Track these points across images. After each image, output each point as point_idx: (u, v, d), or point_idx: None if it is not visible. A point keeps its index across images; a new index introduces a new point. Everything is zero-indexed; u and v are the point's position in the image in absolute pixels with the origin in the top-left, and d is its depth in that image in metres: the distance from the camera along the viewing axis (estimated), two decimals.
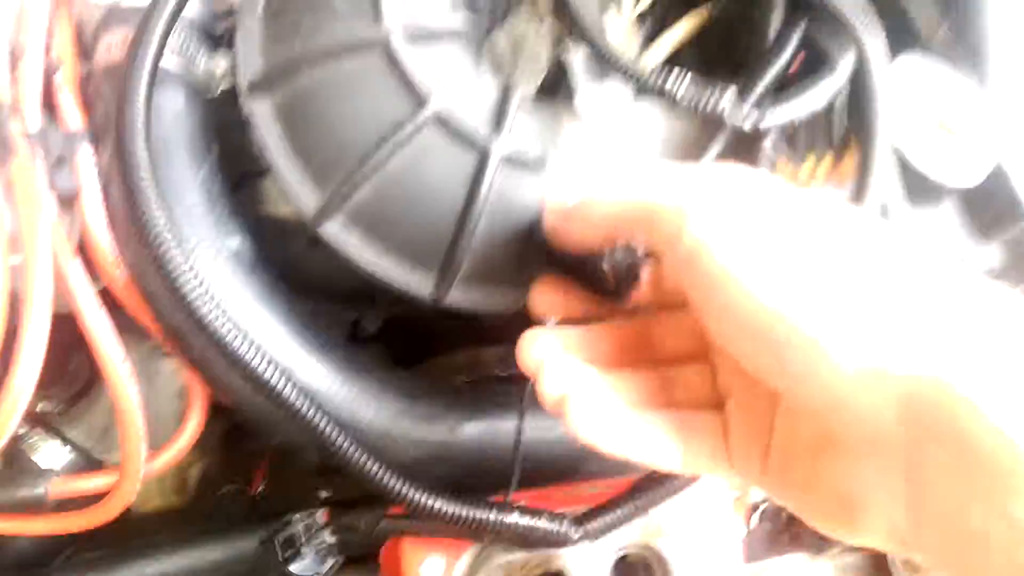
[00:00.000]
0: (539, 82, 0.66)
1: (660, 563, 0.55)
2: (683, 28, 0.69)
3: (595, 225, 0.39)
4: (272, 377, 0.43)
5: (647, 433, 0.37)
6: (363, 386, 0.53)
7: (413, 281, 0.52)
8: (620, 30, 0.65)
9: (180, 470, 0.71)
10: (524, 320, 0.46)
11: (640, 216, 0.36)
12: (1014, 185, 0.57)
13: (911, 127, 0.54)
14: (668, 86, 0.45)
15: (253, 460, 0.73)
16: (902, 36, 0.63)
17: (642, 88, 0.47)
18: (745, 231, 0.32)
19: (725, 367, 0.39)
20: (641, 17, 0.73)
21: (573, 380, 0.39)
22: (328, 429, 0.45)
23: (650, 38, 0.70)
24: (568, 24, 0.54)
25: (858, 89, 0.49)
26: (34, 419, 0.61)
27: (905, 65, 0.56)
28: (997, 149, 0.56)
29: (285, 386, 0.44)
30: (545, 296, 0.45)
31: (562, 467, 0.60)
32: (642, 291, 0.41)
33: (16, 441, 0.59)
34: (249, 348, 0.43)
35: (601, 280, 0.41)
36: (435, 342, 0.78)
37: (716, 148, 0.50)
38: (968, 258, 0.60)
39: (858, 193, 0.48)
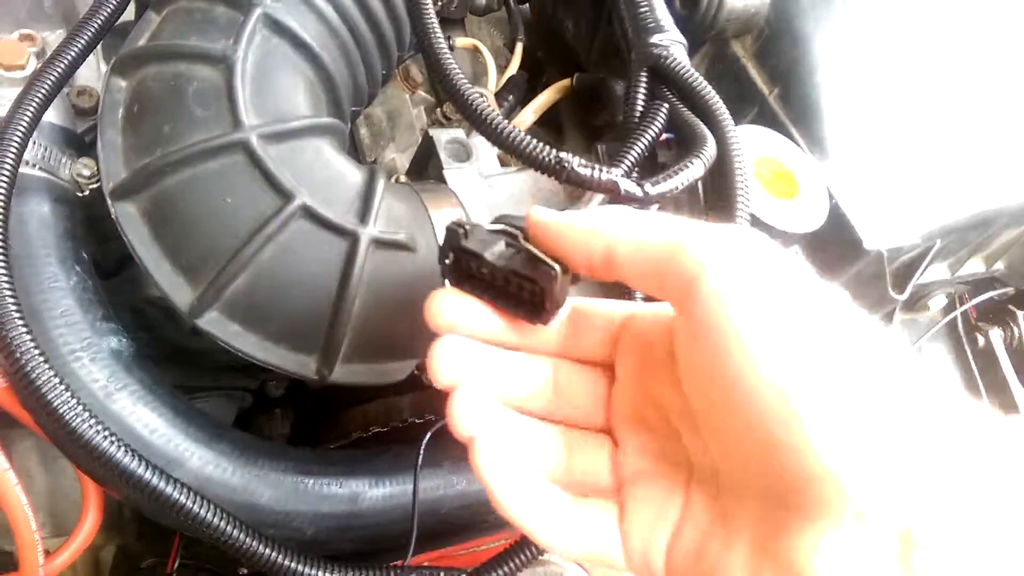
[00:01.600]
0: (412, 154, 0.69)
1: None
2: (545, 98, 0.73)
3: (612, 252, 0.36)
4: (147, 475, 0.44)
5: (543, 507, 0.36)
6: (256, 468, 0.54)
7: (296, 363, 0.54)
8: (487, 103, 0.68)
9: (92, 552, 0.70)
10: None
11: (660, 257, 0.34)
12: (851, 226, 0.62)
13: (754, 184, 0.59)
14: (563, 164, 0.46)
15: (170, 535, 0.72)
16: (743, 101, 0.70)
17: (533, 164, 0.48)
18: (765, 296, 0.31)
19: (633, 445, 0.38)
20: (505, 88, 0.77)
21: (484, 421, 0.37)
22: (210, 517, 0.46)
23: (512, 107, 0.75)
24: (447, 98, 0.55)
25: (719, 161, 0.53)
26: None
27: (743, 132, 0.61)
28: (828, 197, 0.61)
29: (160, 482, 0.45)
30: (454, 306, 0.39)
31: (467, 521, 0.62)
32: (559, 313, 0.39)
33: None
34: (122, 451, 0.44)
35: (524, 297, 0.38)
36: (346, 394, 0.79)
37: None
38: None
39: None
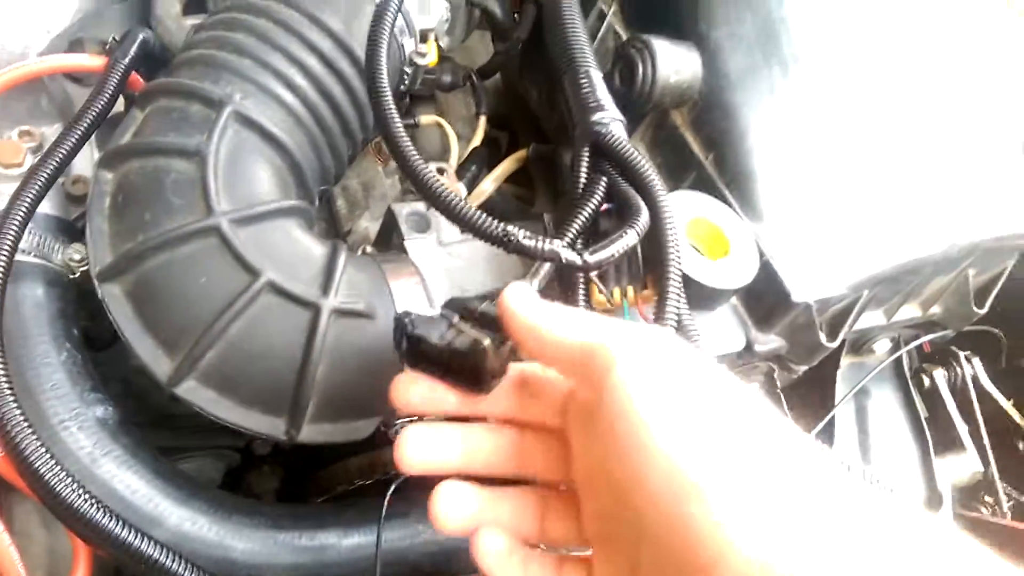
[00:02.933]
0: (380, 224, 0.75)
1: None
2: (503, 168, 0.79)
3: (544, 344, 0.41)
4: (128, 537, 0.49)
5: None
6: (231, 523, 0.59)
7: (267, 425, 0.59)
8: (448, 178, 0.74)
9: None
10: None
11: (581, 353, 0.39)
12: (781, 280, 0.67)
13: (684, 247, 0.64)
14: (509, 237, 0.52)
15: None
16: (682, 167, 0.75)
17: (481, 236, 0.54)
18: (665, 386, 0.36)
19: (589, 508, 0.41)
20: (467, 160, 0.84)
21: (465, 505, 0.42)
22: (184, 573, 0.50)
23: (475, 177, 0.81)
24: (405, 176, 0.61)
25: (653, 231, 0.58)
26: None
27: (673, 199, 0.66)
28: (759, 254, 0.67)
29: (137, 541, 0.49)
30: (412, 388, 0.45)
31: (433, 569, 0.66)
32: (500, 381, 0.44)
33: None
34: (102, 515, 0.49)
35: (466, 371, 0.43)
36: (328, 450, 0.84)
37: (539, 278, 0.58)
38: (756, 344, 0.69)
39: (658, 313, 0.56)
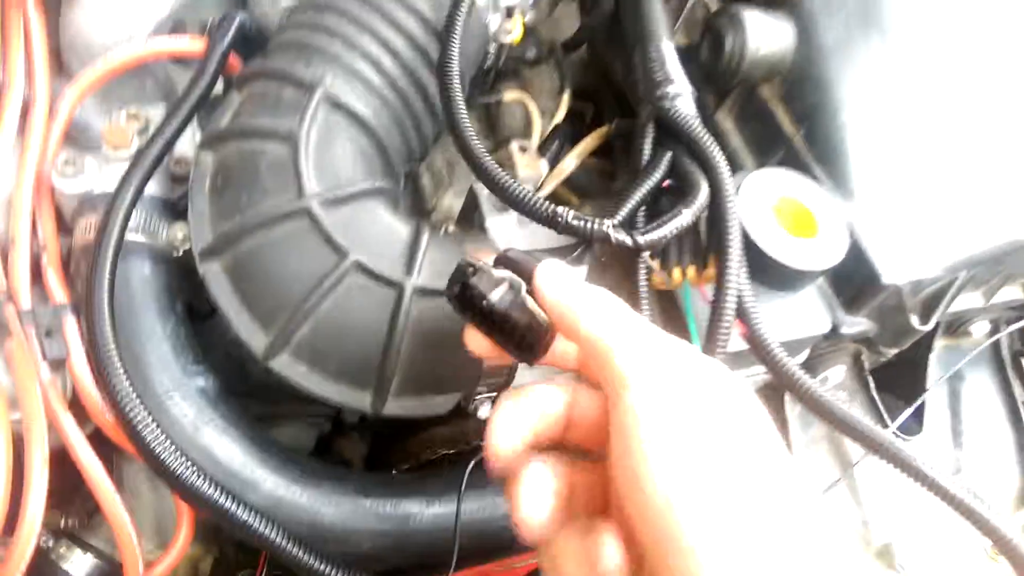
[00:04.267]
0: (463, 203, 0.77)
1: None
2: (585, 144, 0.79)
3: (569, 330, 0.41)
4: (223, 502, 0.53)
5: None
6: (321, 491, 0.62)
7: (354, 398, 0.61)
8: (529, 155, 0.75)
9: (192, 564, 0.80)
10: None
11: (598, 356, 0.38)
12: (870, 260, 0.65)
13: (769, 227, 0.63)
14: (558, 217, 0.53)
15: None
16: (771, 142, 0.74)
17: (532, 216, 0.56)
18: (675, 423, 0.34)
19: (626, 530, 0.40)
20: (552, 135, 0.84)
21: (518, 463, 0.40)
22: (273, 536, 0.54)
23: (557, 154, 0.81)
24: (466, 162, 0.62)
25: (714, 209, 0.58)
26: (59, 533, 0.70)
27: (760, 176, 0.65)
28: (849, 234, 0.65)
29: (234, 507, 0.53)
30: (476, 339, 0.46)
31: (510, 540, 0.68)
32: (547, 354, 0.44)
33: (46, 553, 0.68)
34: (201, 481, 0.52)
35: (515, 338, 0.44)
36: (415, 420, 0.87)
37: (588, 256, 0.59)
38: (843, 327, 0.68)
39: (718, 295, 0.57)
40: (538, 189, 0.77)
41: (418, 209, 0.88)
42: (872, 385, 0.77)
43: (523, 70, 0.94)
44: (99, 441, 0.60)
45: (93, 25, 0.68)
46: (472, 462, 0.64)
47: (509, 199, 0.55)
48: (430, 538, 0.65)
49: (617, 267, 0.64)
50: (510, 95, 0.83)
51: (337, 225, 0.59)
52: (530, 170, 0.74)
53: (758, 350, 0.56)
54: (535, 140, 0.79)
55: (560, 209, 0.52)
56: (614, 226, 0.56)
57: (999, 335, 0.79)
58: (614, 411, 0.36)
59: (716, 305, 0.57)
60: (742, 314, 0.57)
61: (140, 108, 0.72)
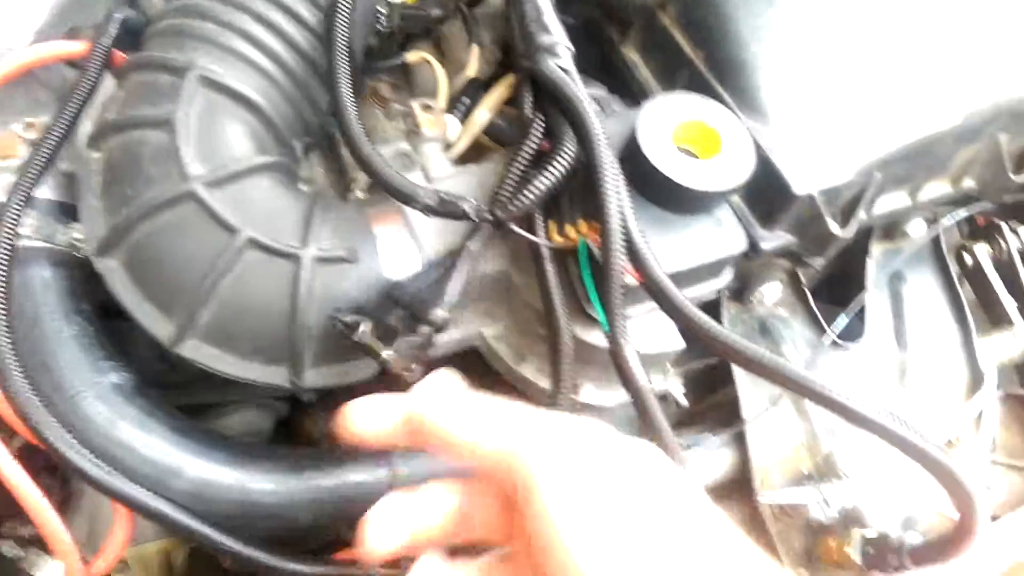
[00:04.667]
0: None
1: None
2: (497, 94, 0.78)
3: (460, 452, 0.37)
4: (129, 491, 0.53)
5: None
6: (248, 469, 0.62)
7: (270, 375, 0.61)
8: (435, 114, 0.74)
9: (164, 557, 0.81)
10: None
11: (499, 462, 0.35)
12: (779, 173, 0.64)
13: (671, 152, 0.62)
14: (425, 202, 0.55)
15: None
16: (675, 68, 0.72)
17: (397, 197, 0.57)
18: (592, 519, 0.32)
19: None
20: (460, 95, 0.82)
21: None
22: (189, 521, 0.54)
23: (468, 110, 0.80)
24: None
25: (588, 164, 0.56)
26: (27, 542, 0.71)
27: (660, 103, 0.64)
28: (756, 149, 0.63)
29: (157, 503, 0.54)
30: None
31: None
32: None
33: (17, 563, 0.69)
34: (105, 472, 0.53)
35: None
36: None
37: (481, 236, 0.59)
38: (762, 242, 0.67)
39: (604, 253, 0.55)
40: (450, 146, 0.76)
41: (343, 182, 0.87)
42: (810, 297, 0.76)
43: (434, 28, 0.92)
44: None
45: None
46: None
47: (370, 174, 0.55)
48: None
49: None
50: (412, 56, 0.82)
51: (225, 204, 0.58)
52: (435, 128, 0.73)
53: (656, 297, 0.55)
54: (441, 98, 0.78)
55: (420, 189, 0.53)
56: (471, 204, 0.57)
57: (936, 230, 0.78)
58: (526, 517, 0.33)
59: (603, 263, 0.55)
60: (635, 261, 0.56)
61: (35, 117, 0.71)
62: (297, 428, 0.94)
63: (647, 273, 0.56)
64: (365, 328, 0.55)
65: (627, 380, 0.55)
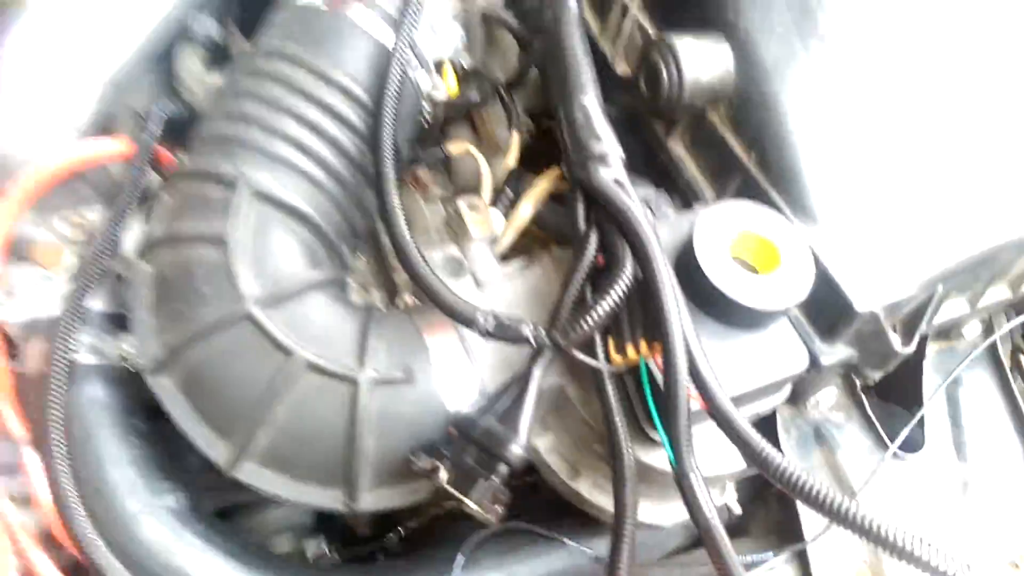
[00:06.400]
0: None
1: None
2: (540, 187, 0.77)
3: None
4: None
5: None
6: None
7: (326, 498, 0.60)
8: (479, 213, 0.73)
9: None
10: None
11: None
12: (840, 289, 0.62)
13: (728, 267, 0.60)
14: (485, 328, 0.54)
15: None
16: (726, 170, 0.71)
17: (457, 320, 0.56)
18: None
19: None
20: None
21: None
22: None
23: (512, 201, 0.78)
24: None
25: (646, 283, 0.55)
26: None
27: (715, 212, 0.62)
28: (813, 264, 0.62)
29: None
30: None
31: None
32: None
33: None
34: None
35: None
36: None
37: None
38: (823, 357, 0.65)
39: (666, 379, 0.54)
40: (496, 243, 0.75)
41: (384, 272, 0.86)
42: (866, 403, 0.74)
43: (474, 113, 0.92)
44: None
45: (10, 140, 0.67)
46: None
47: (439, 306, 0.56)
48: None
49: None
50: (456, 148, 0.81)
51: (281, 324, 0.58)
52: (482, 228, 0.72)
53: (722, 426, 0.54)
54: (486, 193, 0.77)
55: (480, 313, 0.53)
56: (531, 328, 0.55)
57: (994, 336, 0.76)
58: None
59: (667, 391, 0.54)
60: (699, 387, 0.54)
61: (76, 212, 0.70)
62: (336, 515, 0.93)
63: (711, 402, 0.55)
64: (444, 475, 0.54)
65: (696, 514, 0.54)
